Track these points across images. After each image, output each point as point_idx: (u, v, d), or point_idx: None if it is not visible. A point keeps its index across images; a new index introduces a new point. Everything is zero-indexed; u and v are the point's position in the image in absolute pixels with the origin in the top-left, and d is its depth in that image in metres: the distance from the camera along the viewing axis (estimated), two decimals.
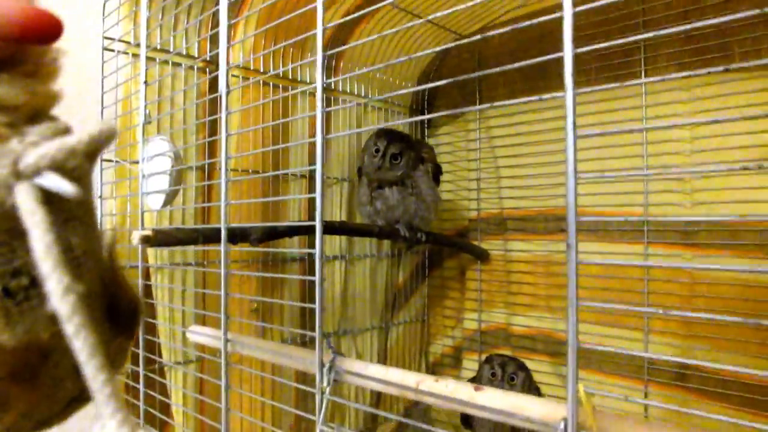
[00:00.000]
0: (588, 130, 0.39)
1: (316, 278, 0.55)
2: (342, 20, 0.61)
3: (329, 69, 1.08)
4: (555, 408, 0.41)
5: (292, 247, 0.99)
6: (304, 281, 1.03)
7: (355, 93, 1.12)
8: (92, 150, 0.21)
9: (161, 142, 0.79)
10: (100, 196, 0.90)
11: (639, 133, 0.92)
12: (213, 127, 0.89)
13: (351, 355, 1.12)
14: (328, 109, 0.98)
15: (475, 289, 1.19)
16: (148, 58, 0.81)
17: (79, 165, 0.21)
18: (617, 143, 0.93)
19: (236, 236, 0.69)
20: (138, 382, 0.82)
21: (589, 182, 0.91)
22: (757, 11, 0.33)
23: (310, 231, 0.80)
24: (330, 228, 0.86)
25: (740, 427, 0.37)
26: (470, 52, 1.18)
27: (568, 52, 0.37)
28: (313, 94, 1.04)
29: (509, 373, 0.92)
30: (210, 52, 0.89)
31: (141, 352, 0.82)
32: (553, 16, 0.38)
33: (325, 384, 0.54)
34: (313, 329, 0.56)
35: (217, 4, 0.68)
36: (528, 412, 0.42)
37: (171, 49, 0.87)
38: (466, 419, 0.95)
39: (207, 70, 0.91)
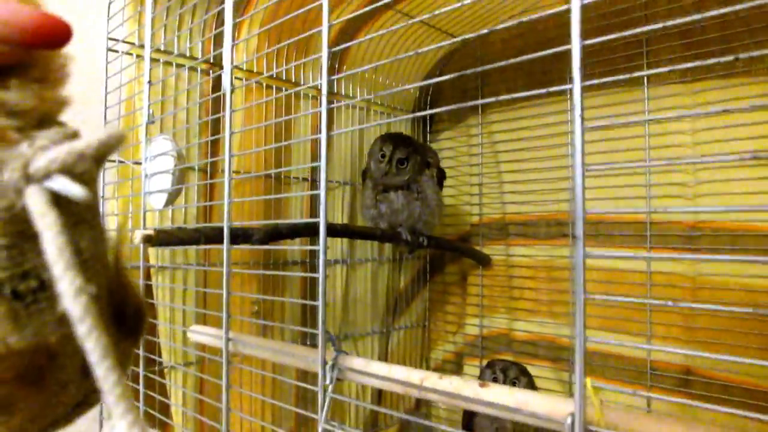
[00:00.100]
0: (594, 122, 0.39)
1: (320, 274, 0.55)
2: (347, 17, 0.61)
3: (332, 71, 1.08)
4: (561, 403, 0.41)
5: (294, 250, 0.99)
6: (305, 285, 1.02)
7: (358, 97, 1.12)
8: (101, 154, 0.21)
9: (164, 141, 0.79)
10: (103, 196, 0.89)
11: (641, 138, 0.92)
12: (215, 128, 0.90)
13: None
14: (331, 105, 0.98)
15: (476, 294, 1.19)
16: (152, 59, 0.81)
17: (87, 169, 0.21)
18: (619, 148, 0.93)
19: (238, 237, 0.69)
20: (138, 383, 0.82)
21: (593, 187, 0.91)
22: (759, 1, 0.33)
23: (312, 232, 0.80)
24: (332, 230, 0.85)
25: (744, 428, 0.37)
26: (473, 57, 1.19)
27: (576, 44, 0.37)
28: (315, 97, 1.04)
29: (511, 377, 0.91)
30: (213, 52, 0.89)
31: (141, 352, 0.82)
32: (561, 8, 0.38)
33: (327, 381, 0.53)
34: (314, 329, 0.56)
35: (222, 3, 0.69)
36: (534, 408, 0.41)
37: (175, 51, 0.87)
38: (468, 425, 0.94)
39: (210, 71, 0.92)
